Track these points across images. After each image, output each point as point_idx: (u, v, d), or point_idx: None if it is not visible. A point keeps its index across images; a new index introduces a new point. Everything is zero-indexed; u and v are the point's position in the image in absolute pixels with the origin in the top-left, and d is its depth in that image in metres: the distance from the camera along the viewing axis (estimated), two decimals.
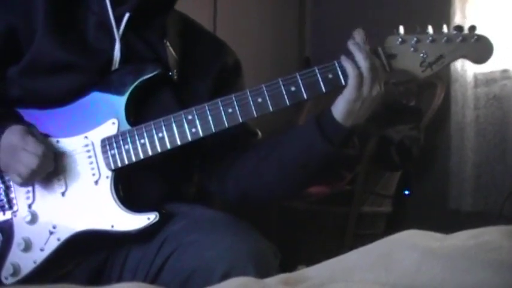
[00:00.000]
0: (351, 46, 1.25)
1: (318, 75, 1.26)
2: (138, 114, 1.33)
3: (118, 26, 1.35)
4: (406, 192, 3.39)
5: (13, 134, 1.26)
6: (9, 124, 1.28)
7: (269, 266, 1.20)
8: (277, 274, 0.82)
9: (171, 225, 1.29)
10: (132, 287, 0.75)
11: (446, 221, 3.08)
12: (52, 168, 1.29)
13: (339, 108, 1.26)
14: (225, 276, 0.78)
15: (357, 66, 1.24)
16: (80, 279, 1.27)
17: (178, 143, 1.28)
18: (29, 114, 1.36)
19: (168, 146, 1.29)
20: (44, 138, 1.30)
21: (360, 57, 1.23)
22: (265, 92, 1.26)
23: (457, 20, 3.12)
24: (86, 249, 1.32)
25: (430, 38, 1.27)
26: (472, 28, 1.28)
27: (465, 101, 3.16)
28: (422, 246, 0.75)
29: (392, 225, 3.17)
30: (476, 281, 0.66)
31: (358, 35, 1.26)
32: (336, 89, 1.27)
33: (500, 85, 3.10)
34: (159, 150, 1.29)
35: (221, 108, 1.27)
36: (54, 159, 1.29)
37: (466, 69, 3.13)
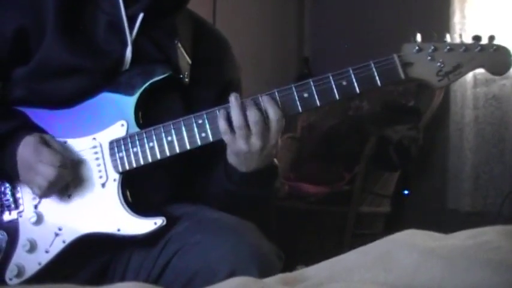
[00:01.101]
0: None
1: (332, 82, 1.23)
2: (147, 116, 1.32)
3: (130, 27, 1.33)
4: (405, 192, 3.39)
5: (27, 146, 1.24)
6: (22, 136, 1.26)
7: (272, 267, 1.19)
8: (276, 275, 0.82)
9: (175, 226, 1.28)
10: (133, 287, 0.75)
11: (445, 221, 3.09)
12: (70, 178, 1.27)
13: (229, 158, 1.28)
14: (228, 278, 0.77)
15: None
16: (83, 280, 1.26)
17: (188, 147, 1.26)
18: (37, 114, 1.34)
19: (177, 150, 1.26)
20: (60, 147, 1.27)
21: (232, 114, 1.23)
22: (277, 98, 1.24)
23: (457, 20, 3.13)
24: (91, 251, 1.31)
25: (448, 47, 1.23)
26: (491, 38, 1.24)
27: (464, 101, 3.17)
28: (421, 246, 0.75)
29: (391, 225, 3.17)
30: (475, 280, 0.66)
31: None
32: (350, 96, 1.25)
33: (499, 85, 3.11)
34: (167, 154, 1.27)
35: None
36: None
37: None
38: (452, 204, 3.21)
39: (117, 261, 1.32)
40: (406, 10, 3.37)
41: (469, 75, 3.15)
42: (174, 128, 1.27)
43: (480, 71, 3.19)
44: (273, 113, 1.22)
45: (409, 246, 0.76)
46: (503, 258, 0.68)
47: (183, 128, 1.26)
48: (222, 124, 1.23)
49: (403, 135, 3.09)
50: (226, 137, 1.23)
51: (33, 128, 1.30)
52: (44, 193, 1.26)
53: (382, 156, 3.06)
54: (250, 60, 3.71)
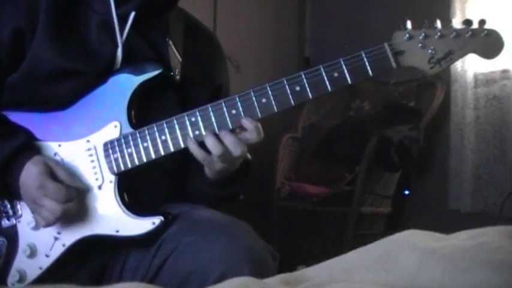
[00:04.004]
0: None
1: (324, 74, 1.23)
2: (141, 115, 1.31)
3: (122, 26, 1.33)
4: (406, 192, 3.39)
5: (31, 177, 1.23)
6: (23, 161, 1.24)
7: (266, 268, 1.19)
8: (276, 275, 0.82)
9: (170, 227, 1.29)
10: (132, 287, 0.75)
11: (446, 221, 3.09)
12: (76, 208, 1.26)
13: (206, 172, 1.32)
14: (221, 279, 0.77)
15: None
16: (82, 280, 1.26)
17: (182, 146, 1.26)
18: (29, 118, 1.32)
19: (172, 149, 1.26)
20: (65, 173, 1.26)
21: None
22: (269, 92, 1.23)
23: (457, 20, 3.12)
24: (90, 253, 1.30)
25: (439, 33, 1.22)
26: (482, 22, 1.23)
27: (465, 101, 3.17)
28: (422, 246, 0.75)
29: (392, 225, 3.17)
30: (476, 281, 0.66)
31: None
32: (342, 87, 1.25)
33: (500, 85, 3.11)
34: (162, 153, 1.26)
35: (224, 109, 1.24)
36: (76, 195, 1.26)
37: (466, 69, 3.13)
38: (453, 204, 3.21)
39: (115, 262, 1.32)
40: (406, 11, 3.37)
41: (470, 76, 3.15)
42: (167, 127, 1.26)
43: (481, 71, 3.18)
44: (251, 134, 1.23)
45: (410, 246, 0.75)
46: (504, 259, 0.68)
47: (177, 126, 1.26)
48: (198, 153, 1.24)
49: (404, 135, 3.09)
50: (206, 162, 1.26)
51: (33, 146, 1.29)
52: (49, 225, 1.25)
53: (383, 157, 3.06)
54: (251, 61, 3.71)
